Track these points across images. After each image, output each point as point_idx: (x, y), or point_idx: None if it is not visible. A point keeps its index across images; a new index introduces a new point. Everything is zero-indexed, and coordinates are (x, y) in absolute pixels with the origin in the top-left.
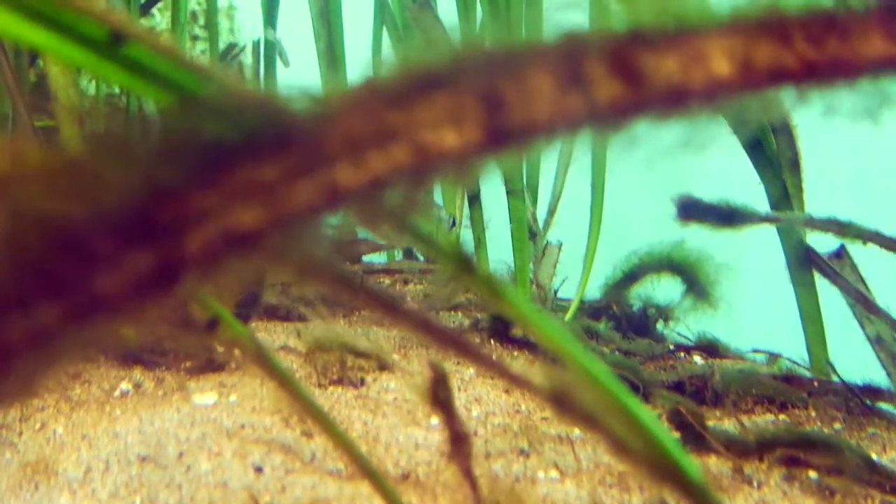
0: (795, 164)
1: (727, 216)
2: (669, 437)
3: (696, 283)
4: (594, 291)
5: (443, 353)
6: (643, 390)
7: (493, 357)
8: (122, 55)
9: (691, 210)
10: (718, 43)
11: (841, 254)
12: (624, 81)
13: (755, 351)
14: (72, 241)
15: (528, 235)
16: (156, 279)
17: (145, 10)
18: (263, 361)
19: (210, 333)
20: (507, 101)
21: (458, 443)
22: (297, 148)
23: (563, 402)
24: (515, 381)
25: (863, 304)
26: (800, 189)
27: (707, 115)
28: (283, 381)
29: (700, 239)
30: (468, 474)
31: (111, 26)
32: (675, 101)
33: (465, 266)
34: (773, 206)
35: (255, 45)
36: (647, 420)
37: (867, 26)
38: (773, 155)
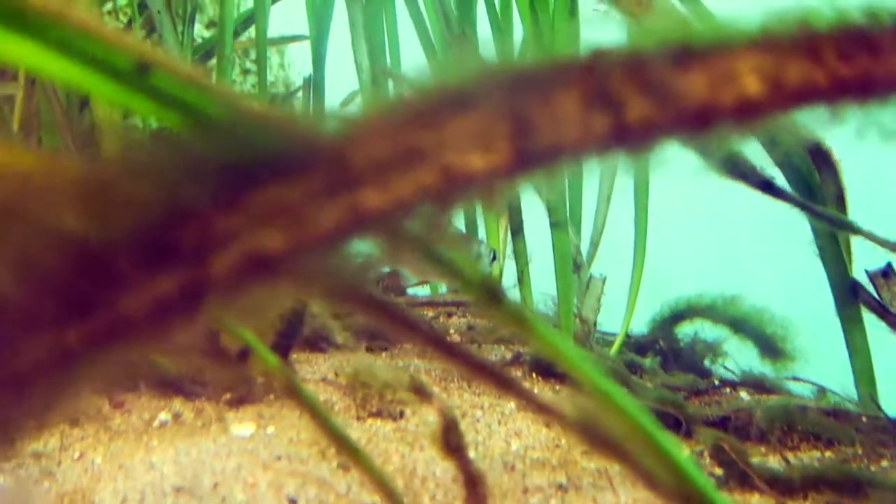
0: (840, 199)
1: (765, 184)
2: (699, 471)
3: (761, 339)
4: (640, 325)
5: (483, 387)
6: (686, 426)
7: (535, 391)
8: (149, 85)
9: (733, 168)
10: (748, 61)
11: (888, 272)
12: (652, 101)
13: (795, 379)
14: (95, 262)
15: (571, 268)
16: (179, 302)
17: (205, 59)
18: (295, 393)
19: (241, 364)
20: (535, 123)
21: (473, 486)
22: (322, 170)
23: (593, 435)
24: (550, 415)
25: None
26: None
27: (738, 135)
28: (314, 412)
29: (744, 278)
30: None
31: (137, 56)
32: (704, 121)
33: (493, 298)
34: (818, 240)
35: (306, 80)
36: (676, 454)
37: None
38: (817, 188)
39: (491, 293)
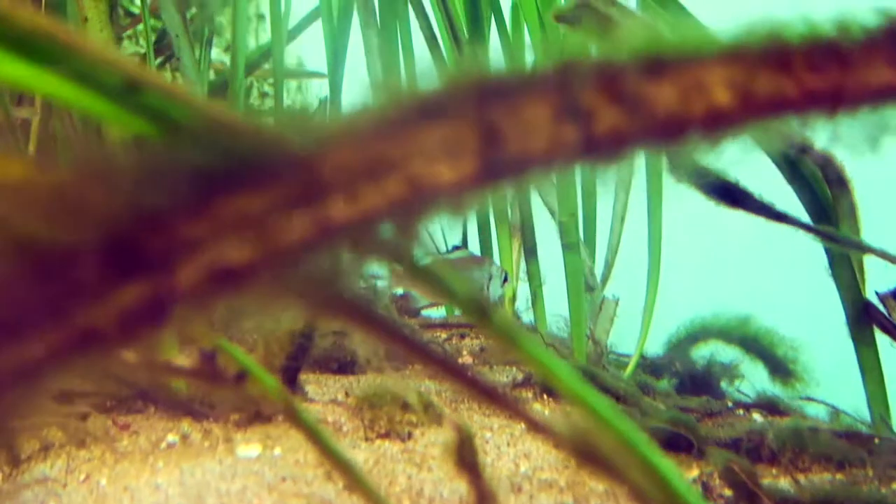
0: (853, 216)
1: (727, 193)
2: (690, 488)
3: (771, 360)
4: (655, 347)
5: (493, 409)
6: (698, 447)
7: (545, 412)
8: (138, 102)
9: (707, 183)
10: (718, 72)
11: None
12: (622, 111)
13: (808, 399)
14: (59, 270)
15: (584, 290)
16: (145, 312)
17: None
18: (293, 414)
19: (238, 386)
20: (503, 133)
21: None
22: (290, 179)
23: (585, 452)
24: (554, 436)
25: None
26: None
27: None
28: (312, 434)
29: (758, 298)
30: None
31: (126, 73)
32: (674, 130)
33: (481, 313)
34: (831, 261)
35: (323, 103)
36: (666, 470)
37: (869, 54)
38: (829, 205)
39: (479, 309)
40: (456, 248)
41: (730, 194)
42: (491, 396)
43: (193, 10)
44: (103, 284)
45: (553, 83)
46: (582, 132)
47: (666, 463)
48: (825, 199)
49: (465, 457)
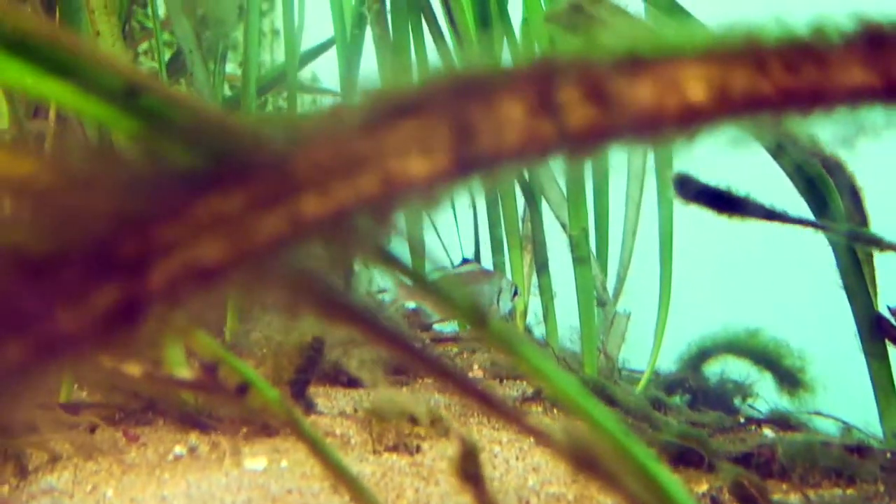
0: (859, 210)
1: (727, 202)
2: (689, 498)
3: (780, 371)
4: (668, 362)
5: (499, 421)
6: (708, 461)
7: (555, 426)
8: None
9: (690, 190)
10: (693, 70)
11: None
12: (596, 107)
13: (817, 413)
14: (32, 273)
15: (595, 304)
16: (118, 315)
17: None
18: (296, 426)
19: (240, 399)
20: (476, 128)
21: None
22: (263, 177)
23: (583, 460)
24: (554, 448)
25: None
26: (869, 254)
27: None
28: (315, 446)
29: (770, 312)
30: None
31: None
32: (649, 127)
33: (479, 321)
34: (843, 274)
35: None
36: (664, 479)
37: (845, 55)
38: (838, 211)
39: (479, 319)
40: (465, 261)
41: (726, 201)
42: (494, 407)
43: (207, 25)
44: (78, 287)
45: (528, 79)
46: (556, 127)
47: (665, 473)
48: (827, 191)
49: (469, 469)
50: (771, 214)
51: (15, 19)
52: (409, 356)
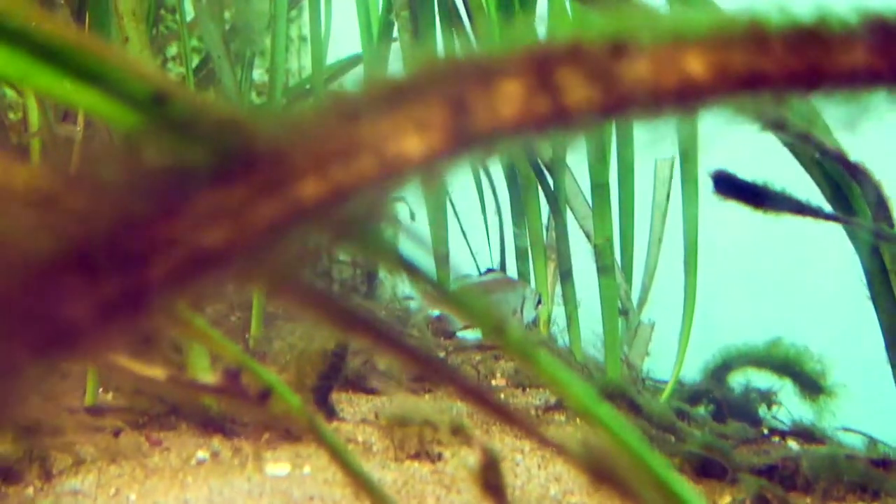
0: (883, 209)
1: (761, 197)
2: None
3: (801, 378)
4: (693, 372)
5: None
6: (732, 473)
7: (578, 436)
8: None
9: (726, 186)
10: (694, 49)
11: None
12: (594, 82)
13: (846, 430)
14: (37, 271)
15: (618, 314)
16: (122, 306)
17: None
18: (317, 433)
19: (262, 405)
20: (473, 104)
21: None
22: (263, 167)
23: (602, 474)
24: (570, 458)
25: None
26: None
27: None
28: (336, 452)
29: (795, 322)
30: None
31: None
32: (647, 102)
33: (498, 330)
34: (869, 280)
35: None
36: (683, 492)
37: (848, 41)
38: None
39: (495, 325)
40: (490, 270)
41: (762, 196)
42: (512, 419)
43: (236, 31)
44: (82, 278)
45: (527, 61)
46: (553, 101)
47: (684, 485)
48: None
49: (491, 480)
50: (806, 209)
51: (49, 28)
52: (426, 367)
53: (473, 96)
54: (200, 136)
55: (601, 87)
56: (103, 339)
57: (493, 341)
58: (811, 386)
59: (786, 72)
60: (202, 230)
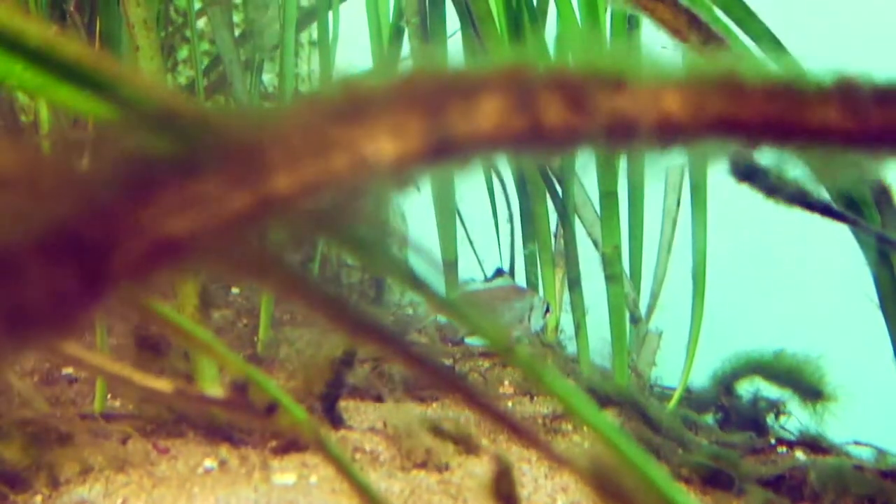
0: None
1: (773, 188)
2: None
3: (803, 388)
4: (701, 379)
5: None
6: (739, 484)
7: (585, 445)
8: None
9: (745, 173)
10: (674, 88)
11: None
12: (572, 108)
13: (857, 443)
14: None
15: (626, 322)
16: (82, 292)
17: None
18: (322, 445)
19: (269, 418)
20: (451, 115)
21: None
22: (235, 161)
23: (606, 487)
24: (573, 469)
25: None
26: None
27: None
28: (340, 465)
29: (804, 330)
30: None
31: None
32: (623, 132)
33: (501, 343)
34: (880, 289)
35: None
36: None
37: (824, 97)
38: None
39: (502, 340)
40: (499, 270)
41: (777, 185)
42: (515, 429)
43: (247, 37)
44: (42, 264)
45: (510, 79)
46: (530, 121)
47: (687, 499)
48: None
49: (503, 490)
50: (816, 206)
51: (66, 47)
52: (431, 375)
53: (453, 106)
54: (175, 130)
55: (579, 114)
56: (60, 325)
57: (498, 353)
58: (811, 393)
59: (760, 120)
60: (169, 219)
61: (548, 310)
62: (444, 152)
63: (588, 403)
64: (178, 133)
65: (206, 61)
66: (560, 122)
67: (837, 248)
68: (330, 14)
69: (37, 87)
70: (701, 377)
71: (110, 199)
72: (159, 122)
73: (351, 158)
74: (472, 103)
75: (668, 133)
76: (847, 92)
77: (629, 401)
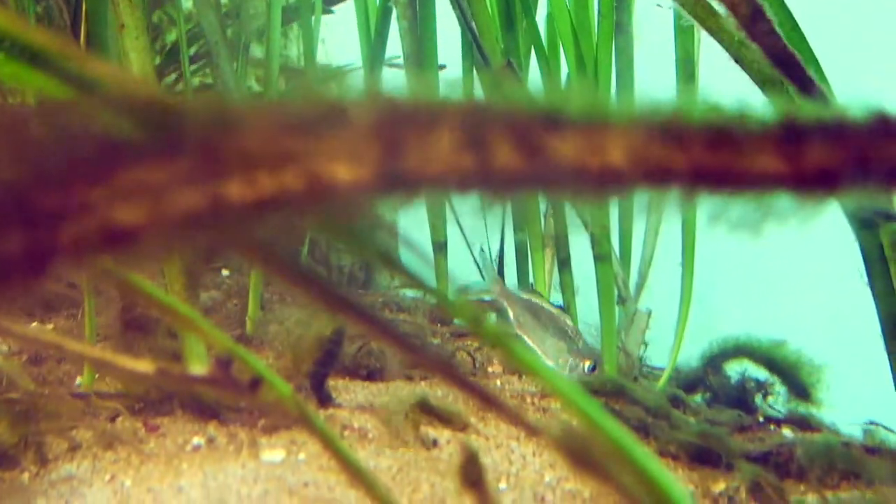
0: None
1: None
2: (683, 492)
3: (795, 384)
4: (691, 359)
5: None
6: (727, 460)
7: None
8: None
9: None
10: (617, 134)
11: None
12: (521, 152)
13: (872, 423)
14: None
15: (615, 302)
16: (25, 263)
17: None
18: (307, 421)
19: (252, 393)
20: (405, 148)
21: None
22: (192, 154)
23: (578, 457)
24: (545, 440)
25: None
26: None
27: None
28: (326, 441)
29: (792, 309)
30: None
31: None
32: (567, 180)
33: (475, 319)
34: (869, 270)
35: None
36: (656, 473)
37: (761, 143)
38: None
39: (473, 314)
40: (498, 257)
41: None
42: (494, 405)
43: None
44: None
45: (464, 117)
46: (480, 163)
47: (660, 468)
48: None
49: (471, 476)
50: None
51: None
52: (416, 355)
53: (408, 141)
54: (138, 115)
55: (527, 157)
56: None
57: (470, 329)
58: (802, 392)
59: (698, 170)
60: (118, 204)
61: (594, 368)
62: (397, 185)
63: (550, 370)
64: (141, 118)
65: (195, 48)
66: (509, 165)
67: (827, 224)
68: None
69: (9, 74)
70: (691, 357)
71: (66, 172)
72: (123, 106)
73: (305, 177)
74: (427, 138)
75: (611, 181)
76: (788, 130)
77: (613, 384)
